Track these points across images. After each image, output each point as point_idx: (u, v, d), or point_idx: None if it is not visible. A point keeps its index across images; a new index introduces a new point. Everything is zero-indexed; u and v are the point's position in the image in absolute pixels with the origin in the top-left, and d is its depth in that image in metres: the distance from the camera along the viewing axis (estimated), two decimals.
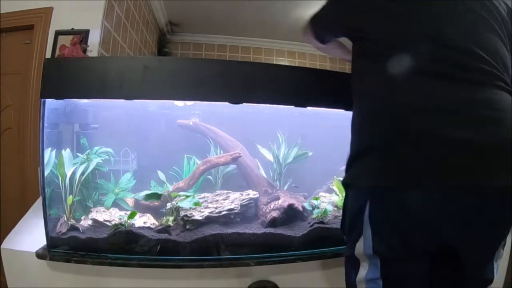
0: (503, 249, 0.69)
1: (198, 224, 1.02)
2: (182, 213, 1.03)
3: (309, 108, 1.00)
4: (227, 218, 1.05)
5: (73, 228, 0.98)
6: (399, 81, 0.64)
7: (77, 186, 1.04)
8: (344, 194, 1.10)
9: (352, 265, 0.70)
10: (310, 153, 1.30)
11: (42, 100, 0.93)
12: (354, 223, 0.69)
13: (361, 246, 0.67)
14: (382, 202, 0.64)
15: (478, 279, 0.69)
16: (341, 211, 1.13)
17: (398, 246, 0.64)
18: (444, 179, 0.59)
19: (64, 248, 0.95)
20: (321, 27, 0.87)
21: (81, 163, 1.05)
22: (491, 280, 0.70)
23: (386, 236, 0.64)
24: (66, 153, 1.03)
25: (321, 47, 0.94)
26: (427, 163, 0.60)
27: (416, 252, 0.65)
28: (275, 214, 1.05)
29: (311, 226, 1.04)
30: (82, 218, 1.04)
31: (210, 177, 1.27)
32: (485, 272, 0.69)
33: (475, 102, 0.61)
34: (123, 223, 0.98)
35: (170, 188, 1.16)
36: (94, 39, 1.69)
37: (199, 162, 1.22)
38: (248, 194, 1.15)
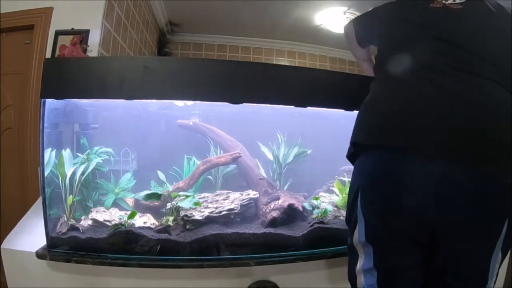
0: (503, 252, 0.64)
1: (198, 224, 1.02)
2: (182, 213, 1.03)
3: (309, 108, 1.00)
4: (227, 218, 1.05)
5: (73, 228, 0.98)
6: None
7: (77, 186, 1.04)
8: (343, 195, 1.10)
9: (352, 256, 0.73)
10: (309, 151, 1.30)
11: (42, 100, 0.93)
12: (351, 210, 0.73)
13: (357, 234, 0.70)
14: (374, 177, 0.68)
15: (464, 277, 0.65)
16: (341, 211, 1.14)
17: (385, 233, 0.66)
18: (429, 150, 0.62)
19: (64, 248, 0.95)
20: (361, 28, 0.98)
21: (81, 163, 1.05)
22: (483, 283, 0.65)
23: (374, 221, 0.67)
24: (66, 153, 1.03)
25: (358, 53, 1.06)
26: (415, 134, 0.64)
27: (402, 239, 0.66)
28: (275, 214, 1.05)
29: (311, 226, 1.04)
30: (82, 218, 1.04)
31: (210, 177, 1.27)
32: (475, 272, 0.65)
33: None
34: (123, 223, 0.98)
35: (170, 188, 1.16)
36: (94, 39, 1.68)
37: (199, 162, 1.22)
38: (248, 194, 1.15)
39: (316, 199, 1.16)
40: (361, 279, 0.69)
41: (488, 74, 0.66)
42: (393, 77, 0.73)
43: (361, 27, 0.98)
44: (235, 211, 1.07)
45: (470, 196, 0.61)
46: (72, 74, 0.91)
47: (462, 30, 0.71)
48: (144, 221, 1.03)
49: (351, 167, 1.26)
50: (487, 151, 0.60)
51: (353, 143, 0.75)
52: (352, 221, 0.72)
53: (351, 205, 0.73)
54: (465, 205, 0.61)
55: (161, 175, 1.18)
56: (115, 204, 1.11)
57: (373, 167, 0.69)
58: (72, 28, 1.68)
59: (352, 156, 0.76)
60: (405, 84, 0.70)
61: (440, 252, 0.66)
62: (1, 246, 0.98)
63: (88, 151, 1.10)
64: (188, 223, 1.01)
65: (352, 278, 0.72)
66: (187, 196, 1.07)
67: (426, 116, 0.64)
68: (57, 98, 0.95)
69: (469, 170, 0.60)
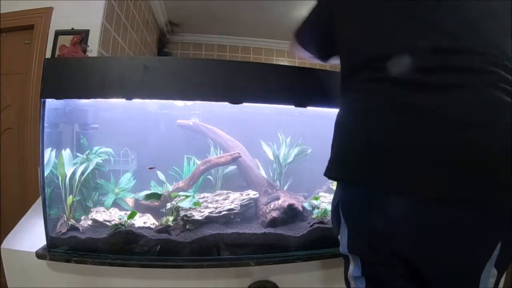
0: (496, 267, 0.59)
1: (198, 224, 1.02)
2: (182, 213, 1.03)
3: (309, 108, 1.00)
4: (227, 218, 1.05)
5: (73, 228, 0.98)
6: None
7: (77, 186, 1.04)
8: None
9: (344, 261, 0.71)
10: (309, 150, 1.30)
11: (42, 100, 0.93)
12: (334, 219, 0.70)
13: (341, 244, 0.68)
14: (352, 201, 0.64)
15: None
16: None
17: (367, 249, 0.63)
18: (418, 187, 0.55)
19: (64, 248, 0.95)
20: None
21: (81, 163, 1.05)
22: None
23: (356, 236, 0.64)
24: (66, 153, 1.03)
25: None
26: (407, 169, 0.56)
27: (387, 256, 0.62)
28: (275, 214, 1.05)
29: (311, 226, 1.04)
30: (82, 218, 1.04)
31: (210, 177, 1.27)
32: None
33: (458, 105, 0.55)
34: (123, 223, 0.98)
35: (170, 188, 1.16)
36: (94, 39, 1.69)
37: (199, 162, 1.22)
38: (248, 194, 1.15)
39: (316, 199, 1.16)
40: (353, 285, 0.68)
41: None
42: (374, 88, 0.61)
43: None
44: (235, 211, 1.07)
45: (457, 231, 0.55)
46: (72, 74, 0.91)
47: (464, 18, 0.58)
48: (144, 221, 1.03)
49: None
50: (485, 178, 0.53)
51: (334, 177, 0.69)
52: (336, 230, 0.69)
53: (333, 214, 0.69)
54: (449, 241, 0.56)
55: (161, 175, 1.18)
56: (115, 204, 1.11)
57: (356, 197, 0.63)
58: (72, 28, 1.68)
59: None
60: (396, 98, 0.58)
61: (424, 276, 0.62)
62: (1, 246, 0.98)
63: (88, 151, 1.10)
64: (188, 223, 1.01)
65: (347, 283, 0.72)
66: (187, 196, 1.07)
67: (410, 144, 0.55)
68: (57, 98, 0.95)
69: (455, 204, 0.54)
